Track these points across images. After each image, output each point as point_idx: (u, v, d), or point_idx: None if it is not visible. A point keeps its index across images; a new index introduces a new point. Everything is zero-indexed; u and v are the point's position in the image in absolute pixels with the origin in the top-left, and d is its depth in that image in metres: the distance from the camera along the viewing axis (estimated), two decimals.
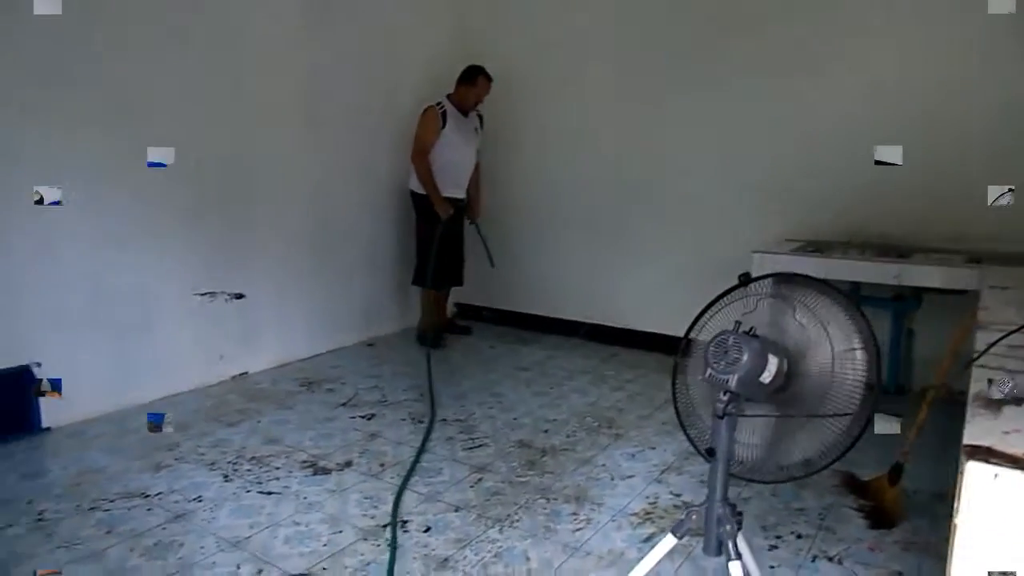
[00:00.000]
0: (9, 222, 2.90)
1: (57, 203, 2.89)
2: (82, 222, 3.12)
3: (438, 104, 4.33)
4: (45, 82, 2.96)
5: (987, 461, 1.08)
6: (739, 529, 1.56)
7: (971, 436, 1.16)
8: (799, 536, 2.33)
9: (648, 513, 2.47)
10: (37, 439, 3.01)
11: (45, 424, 3.08)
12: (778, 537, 2.32)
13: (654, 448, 3.01)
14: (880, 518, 2.42)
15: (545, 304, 4.98)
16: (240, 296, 3.84)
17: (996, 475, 1.06)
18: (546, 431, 3.20)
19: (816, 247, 3.68)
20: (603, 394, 3.72)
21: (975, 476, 1.07)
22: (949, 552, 1.11)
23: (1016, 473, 1.05)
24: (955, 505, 1.10)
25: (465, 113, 4.42)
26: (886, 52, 3.68)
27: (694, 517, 1.59)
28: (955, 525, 1.10)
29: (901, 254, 3.42)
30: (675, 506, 2.51)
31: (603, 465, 2.85)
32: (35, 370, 3.03)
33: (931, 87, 3.59)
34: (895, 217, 3.74)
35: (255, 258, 3.92)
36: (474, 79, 4.34)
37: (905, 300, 3.60)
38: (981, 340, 1.70)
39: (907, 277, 3.19)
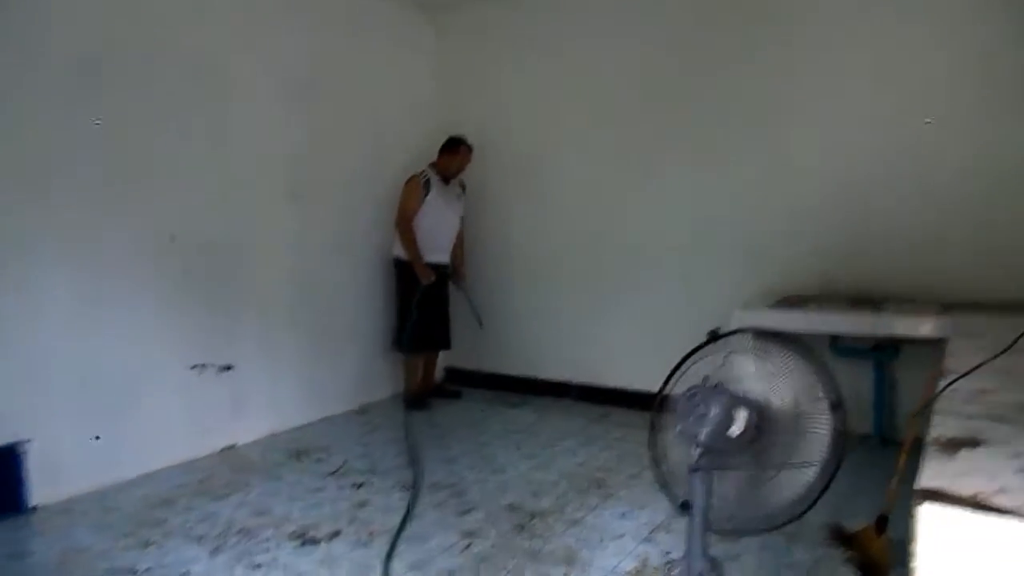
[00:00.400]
0: (2, 302, 2.96)
1: (44, 279, 2.96)
2: (70, 299, 3.18)
3: (421, 173, 4.48)
4: (40, 162, 3.06)
5: (939, 502, 1.12)
6: None
7: (925, 479, 1.21)
8: None
9: (639, 572, 2.46)
10: (24, 518, 2.99)
11: (32, 503, 3.06)
12: None
13: (643, 507, 3.02)
14: (869, 569, 2.42)
15: (535, 366, 5.02)
16: (229, 367, 3.87)
17: (947, 517, 1.10)
18: (536, 493, 3.20)
19: (794, 301, 3.76)
20: (592, 454, 3.73)
21: (929, 519, 1.12)
22: None
23: (968, 513, 1.10)
24: (911, 547, 1.14)
25: (447, 181, 4.56)
26: (855, 110, 3.85)
27: (674, 572, 1.61)
28: (912, 568, 1.14)
29: (876, 304, 3.51)
30: (666, 563, 2.50)
31: (593, 525, 2.85)
32: (24, 448, 3.03)
33: (902, 140, 3.73)
34: (870, 268, 3.84)
35: (244, 329, 3.97)
36: (456, 148, 4.51)
37: (884, 350, 3.66)
38: (944, 387, 1.76)
39: (881, 327, 3.27)
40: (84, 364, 3.24)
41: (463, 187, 4.73)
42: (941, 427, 1.48)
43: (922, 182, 3.71)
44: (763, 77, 4.08)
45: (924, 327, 3.08)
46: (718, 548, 2.51)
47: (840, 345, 3.75)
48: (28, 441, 3.05)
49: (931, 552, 1.13)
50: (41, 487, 3.08)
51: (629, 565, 2.51)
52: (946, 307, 3.34)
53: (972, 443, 1.39)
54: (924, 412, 1.85)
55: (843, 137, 3.89)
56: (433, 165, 4.56)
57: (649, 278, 4.54)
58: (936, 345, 3.20)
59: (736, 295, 3.92)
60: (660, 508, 2.97)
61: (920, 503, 1.13)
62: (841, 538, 2.66)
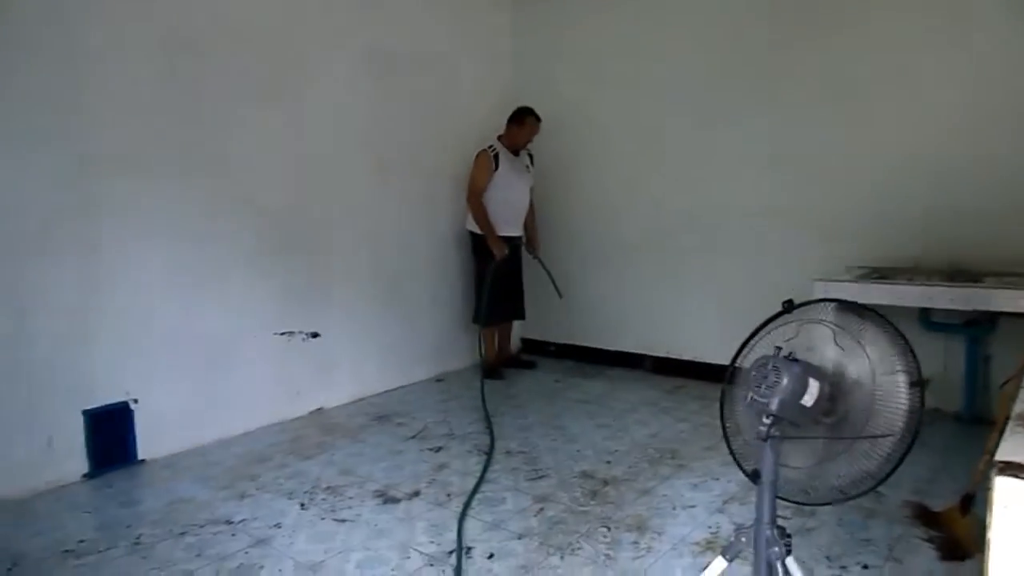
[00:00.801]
0: (108, 272, 3.20)
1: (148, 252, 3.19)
2: (167, 268, 3.41)
3: (490, 147, 4.52)
4: (137, 140, 3.28)
5: (1017, 476, 1.10)
6: (788, 552, 1.59)
7: (1005, 452, 1.18)
8: (865, 567, 2.29)
9: (709, 542, 2.47)
10: (134, 470, 3.26)
11: (140, 456, 3.33)
12: (843, 568, 2.29)
13: (717, 479, 3.01)
14: (952, 549, 2.35)
15: (609, 338, 5.03)
16: (316, 335, 4.07)
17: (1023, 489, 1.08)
18: (608, 462, 3.24)
19: (881, 274, 3.63)
20: (666, 425, 3.73)
21: (1005, 491, 1.10)
22: (984, 567, 1.13)
23: None
24: (987, 520, 1.12)
25: (516, 153, 4.59)
26: (947, 75, 3.64)
27: (743, 539, 1.63)
28: (988, 540, 1.13)
29: (971, 278, 3.34)
30: (736, 530, 2.50)
31: (665, 495, 2.87)
32: (132, 406, 3.29)
33: (997, 107, 3.52)
34: (964, 241, 3.65)
35: (329, 299, 4.15)
36: (523, 120, 4.52)
37: (979, 325, 3.50)
38: None
39: (977, 301, 3.12)
40: (182, 329, 3.48)
41: (531, 158, 4.75)
42: None
43: (1019, 152, 3.48)
44: (844, 49, 3.90)
45: (1019, 301, 2.92)
46: (793, 522, 2.51)
47: (931, 320, 3.59)
48: (136, 400, 3.31)
49: (1006, 526, 1.11)
50: (148, 442, 3.35)
51: (700, 535, 2.53)
52: None
53: None
54: (1014, 387, 1.78)
55: (934, 104, 3.69)
56: (501, 138, 4.59)
57: (725, 250, 4.46)
58: None
59: (815, 268, 3.80)
60: (734, 480, 2.96)
61: (996, 476, 1.12)
62: (924, 517, 2.59)
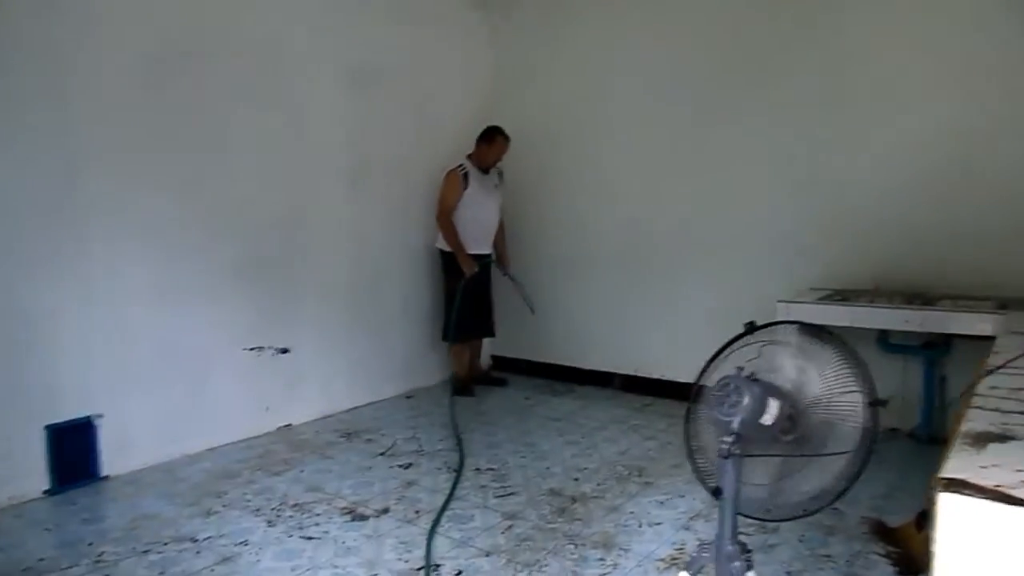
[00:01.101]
0: (77, 283, 3.16)
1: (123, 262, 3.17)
2: (143, 282, 3.39)
3: (459, 166, 4.56)
4: (113, 152, 3.26)
5: (960, 492, 1.16)
6: (749, 567, 1.63)
7: (949, 470, 1.24)
8: None
9: (674, 559, 2.51)
10: (97, 486, 3.21)
11: (104, 472, 3.28)
12: None
13: (683, 496, 3.06)
14: (908, 565, 2.42)
15: (579, 356, 5.08)
16: (286, 351, 4.05)
17: (965, 505, 1.14)
18: (576, 479, 3.27)
19: (842, 296, 3.73)
20: (634, 443, 3.78)
21: (948, 507, 1.16)
22: None
23: (985, 503, 1.13)
24: (932, 535, 1.18)
25: (486, 171, 4.64)
26: (911, 103, 3.78)
27: (705, 555, 1.67)
28: (932, 555, 1.18)
29: (927, 301, 3.46)
30: (698, 546, 2.54)
31: (632, 512, 2.91)
32: (96, 422, 3.25)
33: (958, 135, 3.66)
34: (922, 265, 3.78)
35: (300, 314, 4.14)
36: (492, 139, 4.58)
37: (935, 347, 3.61)
38: (985, 384, 1.77)
39: (932, 324, 3.23)
40: (156, 344, 3.45)
41: (501, 176, 4.80)
42: (973, 422, 1.50)
43: (977, 179, 3.63)
44: (815, 74, 4.03)
45: (977, 324, 3.03)
46: (756, 539, 2.56)
47: (889, 341, 3.70)
48: (101, 416, 3.27)
49: (950, 540, 1.17)
50: (112, 458, 3.30)
51: (665, 552, 2.57)
52: (1001, 305, 3.28)
53: (1002, 438, 1.41)
54: (964, 407, 1.85)
55: (896, 133, 3.83)
56: (471, 156, 4.63)
57: (694, 271, 4.55)
58: (993, 343, 3.17)
59: (781, 289, 3.90)
60: (699, 497, 3.01)
61: (940, 492, 1.18)
62: (881, 533, 2.66)
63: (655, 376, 4.73)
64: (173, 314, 3.52)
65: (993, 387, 1.75)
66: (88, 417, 3.22)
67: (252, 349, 3.89)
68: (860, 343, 3.65)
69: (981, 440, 1.39)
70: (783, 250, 4.19)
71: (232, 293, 3.77)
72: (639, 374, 4.81)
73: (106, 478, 3.28)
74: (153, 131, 3.37)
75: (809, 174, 4.10)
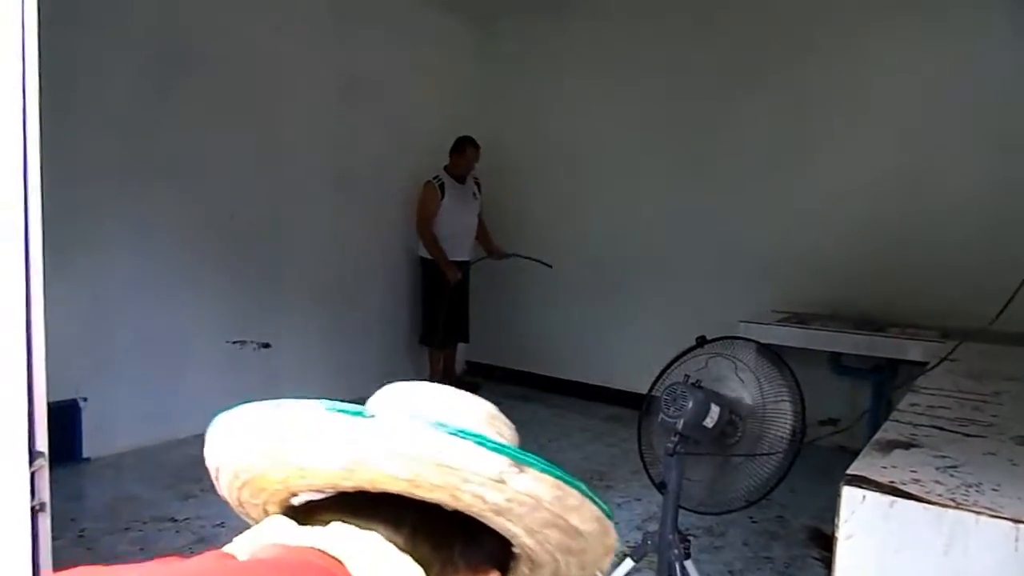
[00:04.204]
0: (69, 269, 3.28)
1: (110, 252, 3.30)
2: (135, 272, 3.52)
3: (435, 177, 4.73)
4: (109, 144, 3.40)
5: (859, 486, 1.36)
6: (688, 556, 1.81)
7: (855, 468, 1.44)
8: None
9: (626, 555, 2.69)
10: (80, 467, 3.32)
11: (86, 454, 3.39)
12: None
13: (640, 500, 3.25)
14: None
15: (552, 365, 5.26)
16: (267, 345, 4.18)
17: (864, 497, 1.33)
18: None
19: (800, 319, 3.95)
20: (598, 450, 3.96)
21: (848, 499, 1.35)
22: (833, 564, 1.38)
23: (880, 496, 1.33)
24: (835, 523, 1.38)
25: (462, 181, 4.82)
26: (868, 138, 4.03)
27: (649, 543, 1.85)
28: (835, 540, 1.38)
29: (877, 328, 3.68)
30: (643, 535, 2.73)
31: None
32: (81, 404, 3.36)
33: (911, 172, 3.92)
34: (877, 293, 4.02)
35: (282, 311, 4.28)
36: (463, 149, 4.76)
37: (882, 371, 3.84)
38: (906, 402, 1.98)
39: (878, 349, 3.46)
40: (141, 331, 3.57)
41: (478, 185, 4.97)
42: (886, 432, 1.71)
43: (927, 214, 3.88)
44: (784, 108, 4.27)
45: (912, 351, 3.26)
46: (703, 540, 2.75)
47: (841, 364, 3.92)
48: (85, 399, 3.38)
49: (851, 528, 1.37)
50: (94, 441, 3.42)
51: (617, 548, 2.74)
52: (945, 334, 3.51)
53: (907, 445, 1.62)
54: (858, 419, 2.05)
55: (854, 174, 4.07)
56: (446, 168, 4.81)
57: (664, 289, 4.76)
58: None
59: (745, 309, 4.11)
60: (655, 501, 3.18)
61: (843, 486, 1.37)
62: (820, 539, 2.86)
63: (622, 388, 4.91)
64: (159, 304, 3.65)
65: (913, 404, 1.96)
66: (74, 399, 3.33)
67: (235, 342, 4.02)
68: (814, 365, 3.93)
69: (889, 447, 1.60)
70: (748, 274, 4.41)
71: (218, 287, 3.91)
72: (607, 385, 5.00)
73: (88, 460, 3.39)
74: (144, 130, 3.52)
75: (774, 204, 4.33)
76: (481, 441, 0.49)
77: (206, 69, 3.75)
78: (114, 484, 3.14)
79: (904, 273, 3.94)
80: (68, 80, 3.21)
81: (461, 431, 0.49)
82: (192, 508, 2.92)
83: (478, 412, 0.68)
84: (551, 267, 4.95)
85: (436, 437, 0.49)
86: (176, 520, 2.80)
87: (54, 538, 2.57)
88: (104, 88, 3.36)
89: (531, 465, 0.50)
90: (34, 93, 1.01)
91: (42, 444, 1.01)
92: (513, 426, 0.70)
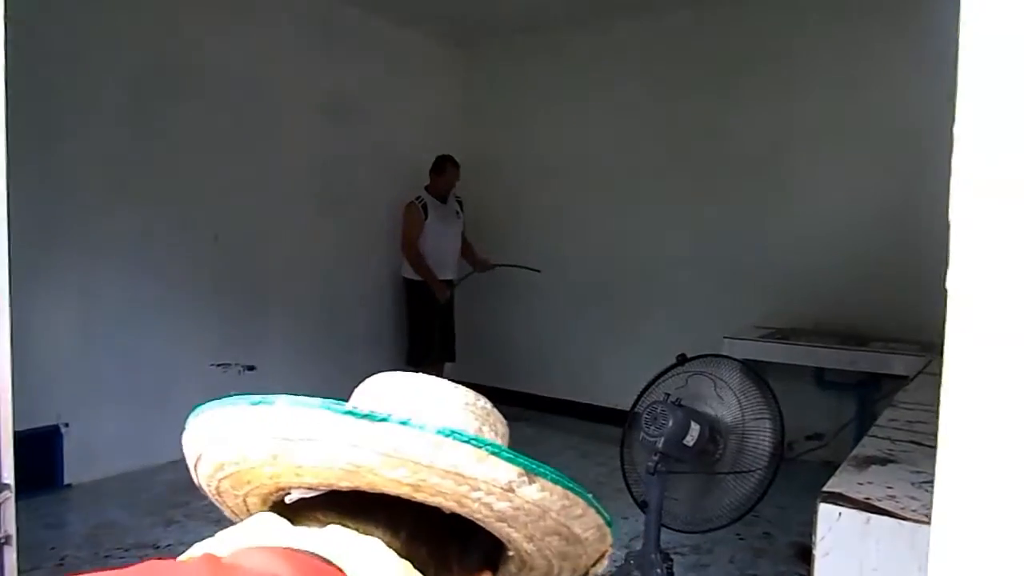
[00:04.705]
0: (52, 294, 3.27)
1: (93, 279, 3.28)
2: (122, 298, 3.51)
3: (417, 198, 4.74)
4: (96, 166, 3.40)
5: (835, 503, 1.37)
6: (670, 574, 1.81)
7: (831, 485, 1.45)
8: None
9: (613, 574, 2.68)
10: (60, 494, 3.28)
11: (67, 481, 3.35)
12: None
13: (626, 518, 3.22)
14: None
15: (538, 383, 5.26)
16: (252, 368, 4.16)
17: (840, 514, 1.34)
18: None
19: (783, 334, 3.98)
20: (584, 468, 3.95)
21: (825, 515, 1.36)
22: None
23: (856, 512, 1.34)
24: (812, 540, 1.39)
25: (444, 200, 4.84)
26: (852, 158, 4.09)
27: (632, 563, 1.85)
28: (813, 556, 1.39)
29: (861, 342, 3.71)
30: (626, 554, 2.72)
31: None
32: (63, 430, 3.33)
33: (896, 189, 3.96)
34: (861, 308, 4.05)
35: (267, 333, 4.27)
36: (443, 168, 4.77)
37: (867, 385, 3.86)
38: (885, 416, 2.00)
39: (860, 363, 3.48)
40: (124, 357, 3.55)
41: (460, 204, 4.99)
42: (864, 447, 1.73)
43: (910, 228, 3.92)
44: (772, 125, 4.32)
45: (896, 365, 3.29)
46: (689, 559, 2.75)
47: (825, 379, 3.95)
48: (67, 424, 3.35)
49: (827, 544, 1.38)
50: (76, 467, 3.38)
51: (604, 569, 2.73)
52: (926, 348, 3.54)
53: (884, 461, 1.64)
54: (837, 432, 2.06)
55: (838, 193, 4.12)
56: (427, 188, 4.83)
57: (648, 306, 4.78)
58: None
59: (729, 325, 4.14)
60: (641, 519, 3.18)
61: (820, 503, 1.38)
62: (805, 556, 2.86)
63: (608, 405, 4.92)
64: (142, 329, 3.63)
65: (892, 419, 1.98)
66: (55, 426, 3.30)
67: (219, 365, 4.00)
68: (799, 380, 3.95)
69: (866, 463, 1.61)
70: (734, 289, 4.44)
71: (201, 310, 3.89)
72: (593, 403, 5.00)
73: (69, 486, 3.35)
74: (128, 154, 3.52)
75: (758, 221, 4.37)
76: (496, 450, 0.48)
77: (192, 92, 3.77)
78: (96, 511, 3.11)
79: (888, 287, 3.98)
80: (53, 106, 3.22)
81: (475, 439, 0.48)
82: (175, 534, 2.89)
83: (475, 407, 0.66)
84: (540, 272, 4.93)
85: (450, 446, 0.47)
86: (158, 547, 2.77)
87: (32, 568, 2.55)
88: (88, 113, 3.36)
89: (543, 475, 0.50)
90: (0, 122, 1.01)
91: (8, 476, 0.99)
92: (505, 421, 0.69)
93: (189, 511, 3.13)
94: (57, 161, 3.24)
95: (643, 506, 1.80)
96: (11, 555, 1.01)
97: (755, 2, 4.33)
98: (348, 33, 4.64)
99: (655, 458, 1.75)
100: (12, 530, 1.00)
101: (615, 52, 4.91)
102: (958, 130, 0.56)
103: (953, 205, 0.57)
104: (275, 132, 4.22)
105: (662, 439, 1.71)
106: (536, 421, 4.92)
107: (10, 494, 1.00)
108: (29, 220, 3.16)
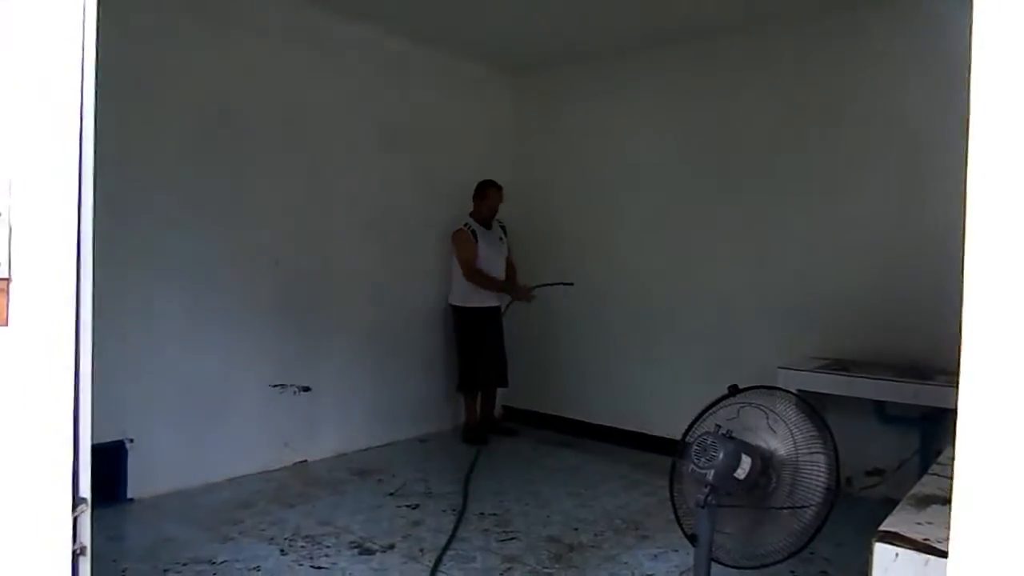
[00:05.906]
0: (118, 315, 3.41)
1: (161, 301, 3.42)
2: (184, 319, 3.66)
3: (465, 225, 4.83)
4: (164, 189, 3.57)
5: (891, 543, 1.33)
6: None
7: (888, 524, 1.41)
8: None
9: None
10: (123, 507, 3.41)
11: (130, 495, 3.48)
12: None
13: (677, 551, 3.17)
14: None
15: (588, 410, 5.22)
16: (307, 389, 4.26)
17: (896, 555, 1.30)
18: (576, 529, 3.40)
19: (841, 365, 3.87)
20: (634, 498, 3.90)
21: (880, 555, 1.32)
22: None
23: (913, 554, 1.30)
24: None
25: (488, 226, 4.89)
26: (907, 177, 3.97)
27: None
28: None
29: (922, 375, 3.58)
30: None
31: (626, 563, 3.03)
32: (128, 446, 3.46)
33: (956, 212, 3.83)
34: (923, 338, 3.89)
35: (323, 355, 4.37)
36: (485, 192, 4.85)
37: (930, 419, 3.71)
38: (946, 454, 1.92)
39: (923, 397, 3.36)
40: (186, 376, 3.69)
41: (504, 229, 5.04)
42: (923, 486, 1.67)
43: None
44: (830, 147, 4.22)
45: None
46: None
47: (887, 412, 3.81)
48: (131, 440, 3.48)
49: None
50: (138, 482, 3.50)
51: None
52: None
53: (944, 500, 1.57)
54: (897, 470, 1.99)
55: (904, 209, 4.00)
56: (472, 215, 4.89)
57: (700, 335, 4.71)
58: None
59: (783, 355, 4.05)
60: (692, 552, 3.12)
61: (876, 543, 1.34)
62: None
63: (657, 434, 4.84)
64: (203, 350, 3.76)
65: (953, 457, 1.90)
66: (121, 441, 3.44)
67: (276, 386, 4.11)
68: (859, 413, 3.82)
69: (925, 502, 1.56)
70: (787, 318, 4.34)
71: (260, 333, 4.02)
72: (643, 431, 4.93)
73: (132, 500, 3.47)
74: (194, 181, 3.70)
75: (814, 249, 4.28)
76: None
77: (253, 121, 3.93)
78: (156, 525, 3.21)
79: (951, 319, 3.82)
80: (122, 132, 3.39)
81: None
82: (230, 551, 2.96)
83: None
84: (573, 284, 4.99)
85: None
86: (214, 563, 2.84)
87: None
88: (157, 140, 3.54)
89: None
90: (90, 154, 1.09)
91: (85, 491, 1.06)
92: None
93: (244, 528, 3.21)
94: (124, 188, 3.39)
95: (693, 539, 1.77)
96: (85, 566, 1.07)
97: (811, 26, 4.28)
98: (401, 63, 4.77)
99: (705, 490, 1.73)
100: (87, 542, 1.06)
101: (665, 79, 4.92)
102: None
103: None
104: (333, 161, 4.36)
105: (712, 471, 1.69)
106: (586, 449, 4.89)
107: (86, 508, 1.06)
108: (96, 242, 3.33)
